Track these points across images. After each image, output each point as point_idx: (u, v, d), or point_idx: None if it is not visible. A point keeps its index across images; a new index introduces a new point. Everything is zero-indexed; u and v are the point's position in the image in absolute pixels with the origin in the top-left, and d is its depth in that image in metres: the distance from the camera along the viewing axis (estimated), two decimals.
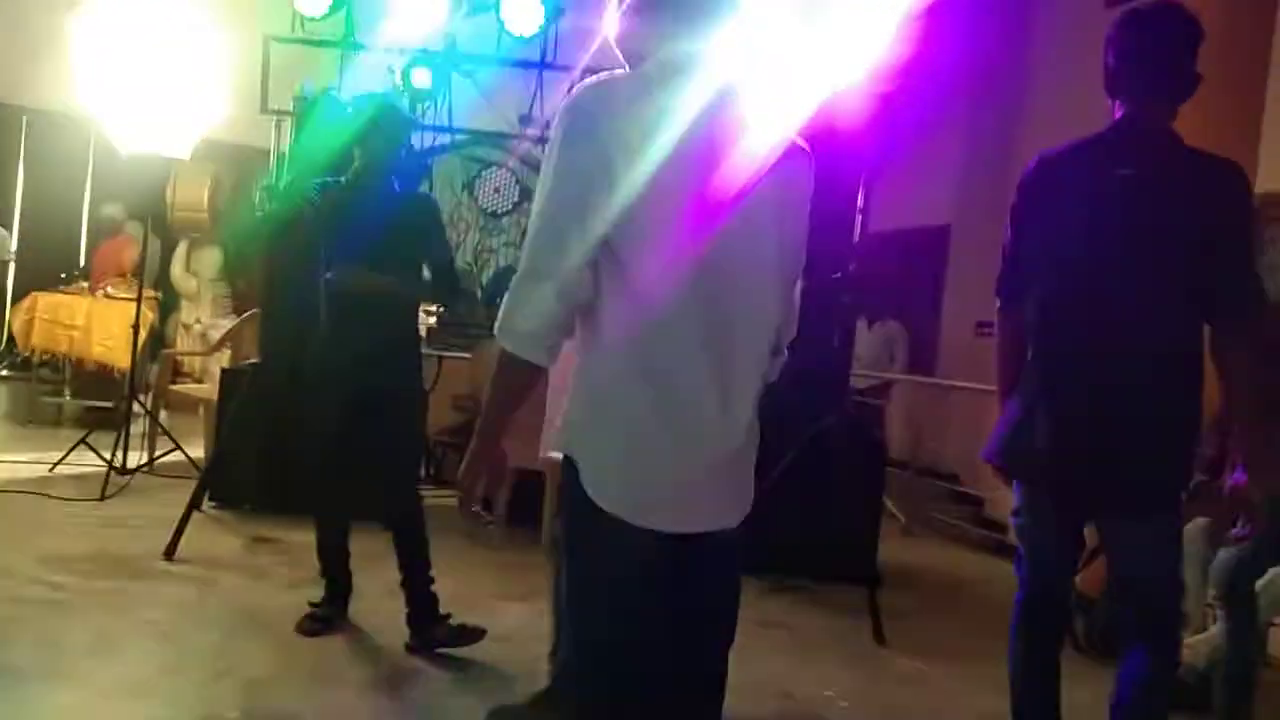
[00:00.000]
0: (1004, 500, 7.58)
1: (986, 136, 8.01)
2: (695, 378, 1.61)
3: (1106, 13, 7.07)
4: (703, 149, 1.57)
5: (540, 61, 5.53)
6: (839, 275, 5.10)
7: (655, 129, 1.54)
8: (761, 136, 1.65)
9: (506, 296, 1.61)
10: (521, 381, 1.64)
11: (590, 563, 1.67)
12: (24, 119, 10.05)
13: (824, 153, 5.58)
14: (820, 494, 4.61)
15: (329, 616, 3.60)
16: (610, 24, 1.72)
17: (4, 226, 9.85)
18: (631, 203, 1.53)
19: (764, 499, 4.84)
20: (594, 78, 1.63)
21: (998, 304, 2.49)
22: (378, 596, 3.76)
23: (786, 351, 1.88)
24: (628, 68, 1.68)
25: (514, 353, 1.60)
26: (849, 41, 4.68)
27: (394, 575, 3.54)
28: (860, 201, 5.17)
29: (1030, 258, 2.37)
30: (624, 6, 1.70)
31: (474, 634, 3.46)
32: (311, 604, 3.64)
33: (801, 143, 1.75)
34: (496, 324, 1.62)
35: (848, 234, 5.16)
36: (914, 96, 5.77)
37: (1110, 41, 2.36)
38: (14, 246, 9.13)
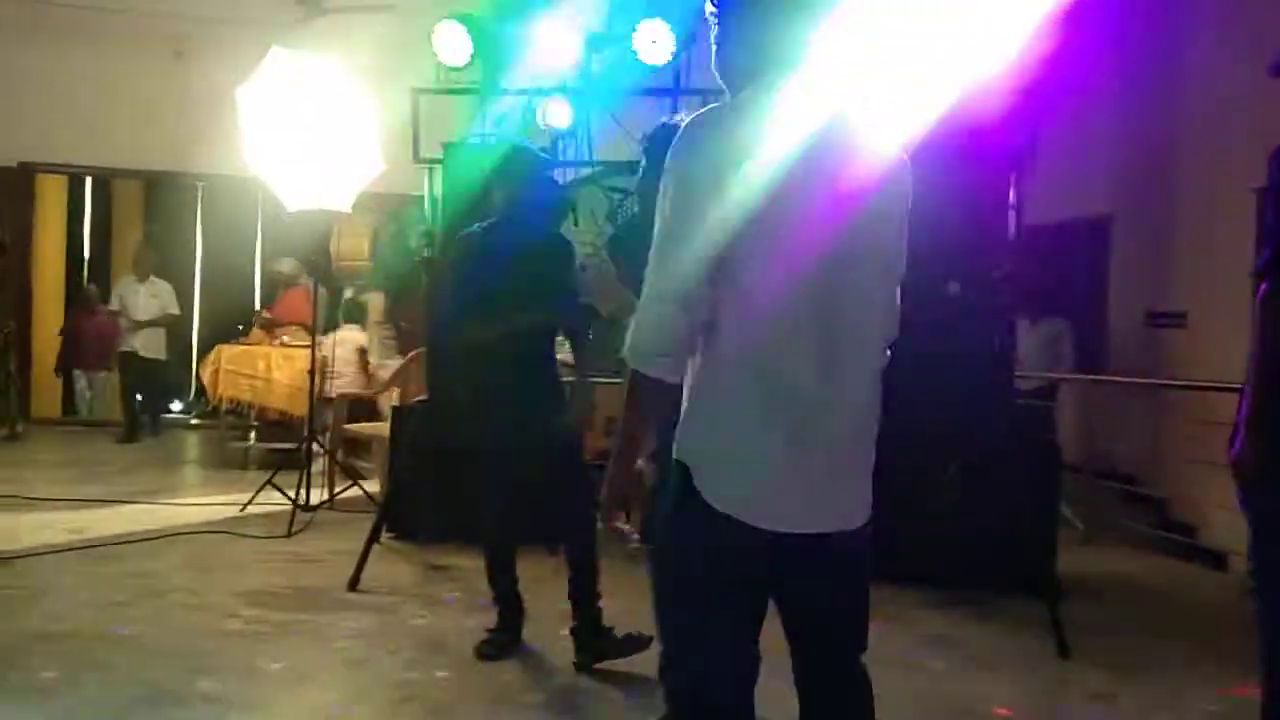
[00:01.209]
0: (1188, 501, 7.14)
1: (1145, 119, 7.61)
2: (804, 380, 1.67)
3: None
4: (808, 166, 1.65)
5: (675, 88, 5.60)
6: (995, 274, 4.93)
7: (762, 151, 1.63)
8: (864, 149, 1.75)
9: (633, 319, 1.69)
10: (654, 400, 1.72)
11: (696, 562, 1.72)
12: (199, 186, 10.87)
13: (971, 149, 5.40)
14: (992, 502, 4.45)
15: (504, 641, 3.71)
16: (709, 49, 1.83)
17: (185, 286, 10.61)
18: (744, 222, 1.62)
19: (934, 510, 4.69)
20: (703, 109, 1.74)
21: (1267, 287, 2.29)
22: (550, 619, 3.85)
23: (889, 352, 1.91)
24: (728, 91, 1.78)
25: (646, 373, 1.68)
26: (993, 33, 4.56)
27: (564, 598, 3.62)
28: (1013, 197, 5.00)
29: None
30: (719, 32, 1.79)
31: (638, 643, 3.47)
32: (487, 629, 3.76)
33: (900, 150, 1.82)
34: (625, 346, 1.70)
35: (1001, 231, 4.99)
36: (1066, 84, 5.56)
37: None
38: (177, 309, 9.60)
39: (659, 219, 1.68)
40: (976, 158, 4.93)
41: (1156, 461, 7.10)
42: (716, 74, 1.82)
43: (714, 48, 1.81)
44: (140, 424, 9.38)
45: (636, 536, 1.87)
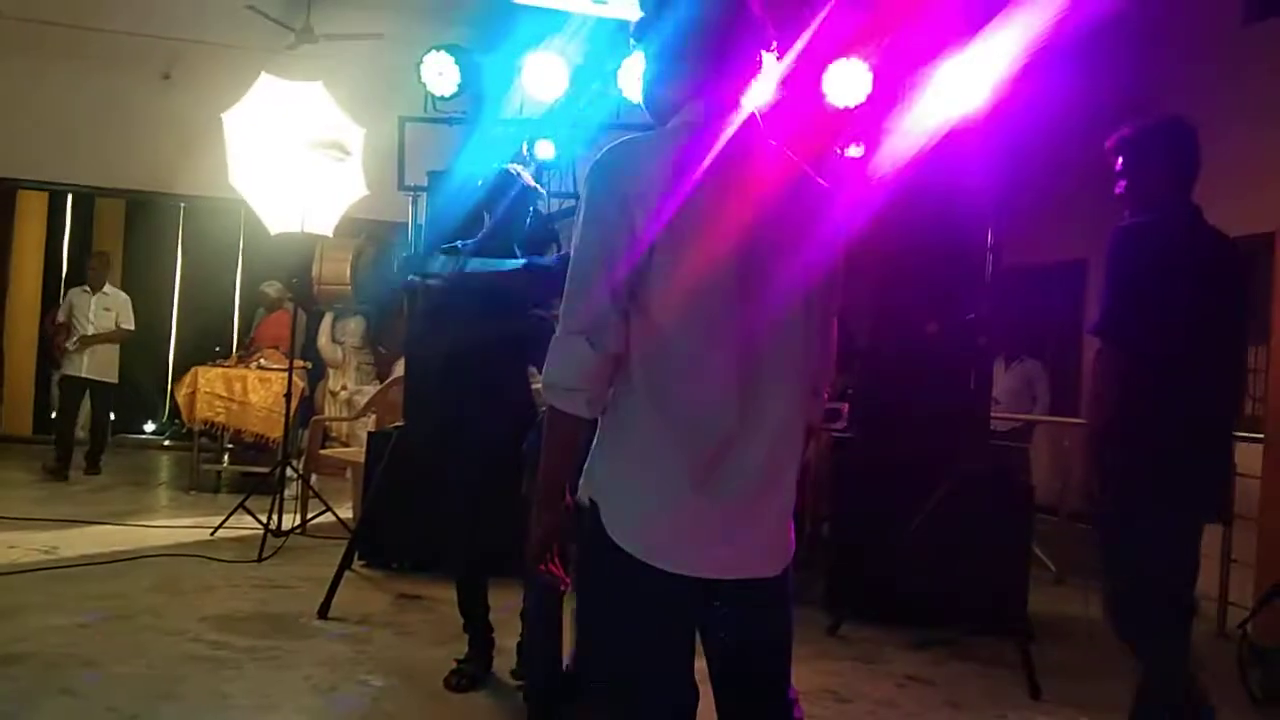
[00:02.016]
0: None
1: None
2: (717, 420, 1.63)
3: (1243, 31, 6.80)
4: (723, 201, 1.63)
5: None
6: (971, 316, 4.98)
7: (676, 185, 1.60)
8: (782, 185, 1.71)
9: (548, 354, 1.65)
10: (572, 435, 1.67)
11: (608, 602, 1.68)
12: (181, 207, 10.83)
13: (951, 193, 5.47)
14: (964, 543, 4.47)
15: (474, 671, 3.68)
16: (632, 79, 1.80)
17: (163, 306, 10.47)
18: (655, 257, 1.60)
19: (906, 549, 4.71)
20: (619, 140, 1.71)
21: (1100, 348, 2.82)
22: None
23: (825, 393, 1.89)
24: (654, 120, 1.76)
25: (560, 408, 1.65)
26: (974, 78, 4.65)
27: None
28: (990, 239, 5.07)
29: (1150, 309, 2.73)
30: (644, 60, 1.77)
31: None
32: (458, 659, 3.73)
33: (821, 182, 1.78)
34: (542, 381, 1.67)
35: (979, 273, 5.06)
36: (1044, 129, 5.65)
37: (1182, 146, 2.91)
38: (132, 323, 8.50)
39: (573, 250, 1.66)
40: (956, 201, 5.00)
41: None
42: (643, 104, 1.80)
43: (639, 80, 1.79)
44: (71, 455, 8.02)
45: (567, 580, 1.78)
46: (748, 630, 1.71)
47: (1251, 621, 4.20)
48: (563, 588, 1.78)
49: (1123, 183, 2.92)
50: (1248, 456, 5.07)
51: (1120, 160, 2.93)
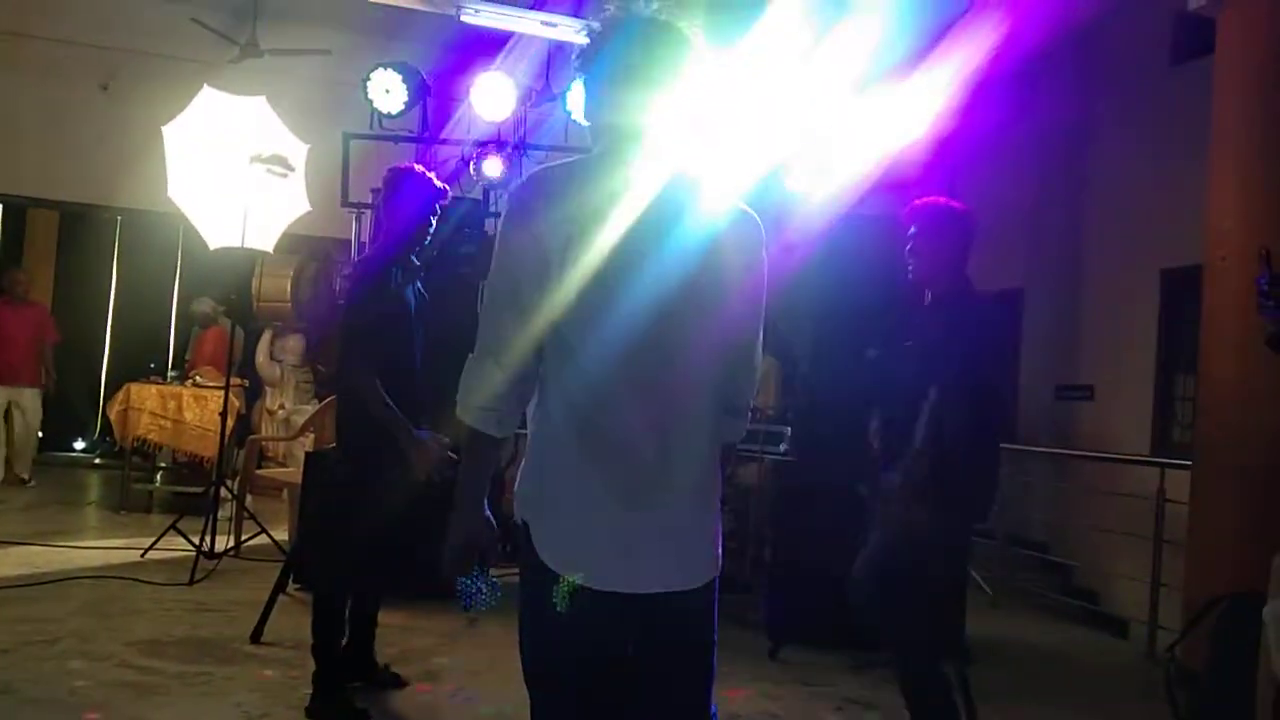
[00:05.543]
0: (1092, 568, 7.31)
1: (1056, 199, 7.95)
2: (632, 439, 1.67)
3: (1171, 71, 7.04)
4: (637, 230, 1.65)
5: None
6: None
7: (593, 212, 1.64)
8: (698, 211, 1.73)
9: (462, 375, 1.71)
10: (485, 453, 1.75)
11: (536, 617, 1.71)
12: (118, 219, 10.61)
13: (889, 220, 5.59)
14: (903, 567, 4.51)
15: (363, 709, 3.50)
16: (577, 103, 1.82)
17: (98, 320, 10.19)
18: (567, 285, 1.63)
19: (844, 572, 4.71)
20: (541, 166, 1.75)
21: None
22: (462, 675, 3.78)
23: (748, 413, 1.92)
24: (592, 142, 1.77)
25: (471, 426, 1.71)
26: (913, 105, 4.75)
27: (482, 654, 3.55)
28: None
29: None
30: (584, 85, 1.78)
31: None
32: (344, 708, 3.50)
33: (748, 210, 1.80)
34: (457, 401, 1.72)
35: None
36: (983, 156, 5.78)
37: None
38: None
39: (490, 275, 1.70)
40: (895, 229, 5.08)
41: (1063, 529, 7.29)
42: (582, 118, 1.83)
43: (581, 104, 1.82)
44: None
45: (484, 596, 1.79)
46: (667, 643, 1.75)
47: (1180, 644, 4.29)
48: (485, 601, 1.79)
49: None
50: (1176, 482, 5.22)
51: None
